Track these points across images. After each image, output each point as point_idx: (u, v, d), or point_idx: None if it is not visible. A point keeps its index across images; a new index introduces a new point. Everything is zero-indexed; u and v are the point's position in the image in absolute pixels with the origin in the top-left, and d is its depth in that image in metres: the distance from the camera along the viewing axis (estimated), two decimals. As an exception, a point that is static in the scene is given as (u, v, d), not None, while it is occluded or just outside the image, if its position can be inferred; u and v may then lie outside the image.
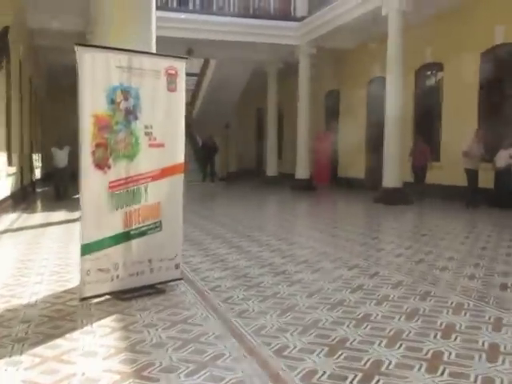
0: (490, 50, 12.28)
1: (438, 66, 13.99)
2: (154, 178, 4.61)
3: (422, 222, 10.23)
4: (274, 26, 16.63)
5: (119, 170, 4.37)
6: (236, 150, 25.23)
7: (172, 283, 4.83)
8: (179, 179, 4.81)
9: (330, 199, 15.64)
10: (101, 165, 4.26)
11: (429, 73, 14.60)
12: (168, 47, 16.64)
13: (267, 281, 5.05)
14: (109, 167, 4.31)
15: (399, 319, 3.87)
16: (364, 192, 14.40)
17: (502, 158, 11.07)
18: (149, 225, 4.61)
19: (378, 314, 3.99)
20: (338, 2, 14.48)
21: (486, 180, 11.27)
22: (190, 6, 17.15)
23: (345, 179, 17.91)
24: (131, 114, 4.43)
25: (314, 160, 18.39)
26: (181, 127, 4.77)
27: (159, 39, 7.84)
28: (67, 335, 3.52)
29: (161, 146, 4.63)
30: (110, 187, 4.33)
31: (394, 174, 12.40)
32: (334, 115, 18.78)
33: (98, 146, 4.23)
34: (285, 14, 17.32)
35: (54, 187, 14.04)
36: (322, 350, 3.27)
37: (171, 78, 4.65)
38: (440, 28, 13.27)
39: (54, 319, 3.87)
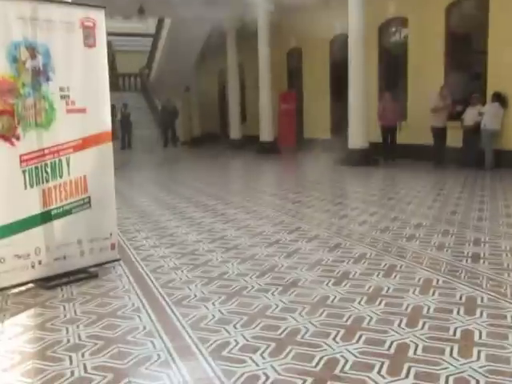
0: (455, 3, 11.75)
1: (402, 22, 13.39)
2: (76, 148, 3.99)
3: (389, 185, 9.84)
4: (230, -21, 15.67)
5: (31, 141, 3.74)
6: (198, 113, 24.34)
7: (108, 265, 4.30)
8: (107, 149, 4.21)
9: (294, 162, 15.15)
10: (7, 136, 3.61)
11: (393, 29, 14.01)
12: (118, 6, 15.57)
13: (216, 258, 4.55)
14: (17, 138, 3.67)
15: (359, 302, 3.41)
16: (330, 154, 13.94)
17: (470, 116, 10.65)
18: (74, 202, 4.02)
19: (335, 297, 3.52)
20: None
21: (454, 139, 10.89)
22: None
23: (310, 140, 17.38)
24: (41, 74, 3.77)
25: (278, 122, 17.79)
26: (105, 89, 4.13)
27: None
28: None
29: (81, 111, 4.00)
30: (22, 161, 3.70)
31: (359, 135, 11.90)
32: (297, 75, 18.10)
33: (1, 113, 3.57)
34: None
35: None
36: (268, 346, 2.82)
37: (88, 32, 3.98)
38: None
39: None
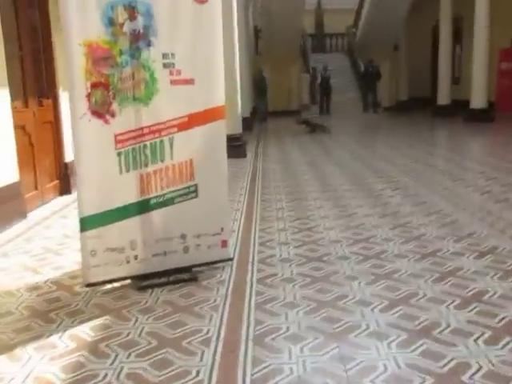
0: None
1: None
2: (182, 127, 3.37)
3: None
4: None
5: (129, 118, 3.22)
6: (407, 75, 22.28)
7: (218, 265, 3.68)
8: (220, 128, 3.51)
9: (510, 135, 12.67)
10: (101, 112, 3.14)
11: None
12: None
13: (349, 266, 3.59)
14: (113, 115, 3.18)
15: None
16: None
17: None
18: (178, 190, 3.44)
19: None
20: None
21: None
22: None
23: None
24: (142, 39, 3.19)
25: (498, 83, 15.14)
26: (219, 55, 3.41)
27: None
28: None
29: (189, 82, 3.34)
30: (118, 142, 3.22)
31: None
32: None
33: (94, 86, 3.10)
34: None
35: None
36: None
37: (200, -15, 3.26)
38: None
39: (37, 313, 3.02)
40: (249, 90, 15.36)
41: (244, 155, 9.26)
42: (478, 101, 14.21)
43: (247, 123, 12.94)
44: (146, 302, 3.15)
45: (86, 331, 2.79)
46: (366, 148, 10.37)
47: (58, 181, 6.36)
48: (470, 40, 16.79)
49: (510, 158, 8.37)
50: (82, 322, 2.90)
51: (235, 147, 9.02)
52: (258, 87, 17.76)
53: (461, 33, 18.57)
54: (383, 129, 15.36)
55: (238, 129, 9.17)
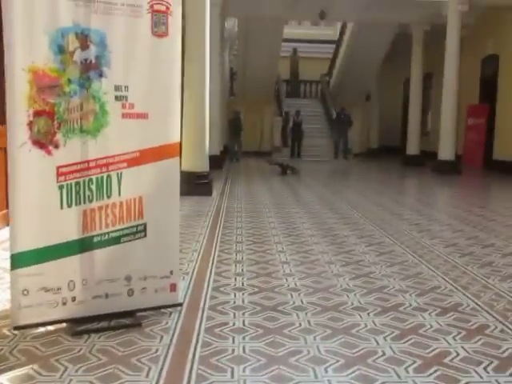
0: None
1: None
2: (132, 162, 3.17)
3: None
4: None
5: (74, 150, 3.00)
6: (378, 124, 22.72)
7: (165, 310, 3.42)
8: (173, 165, 3.32)
9: (479, 188, 12.82)
10: (43, 142, 2.92)
11: None
12: (297, 7, 14.98)
13: (301, 320, 3.37)
14: (56, 146, 2.96)
15: None
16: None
17: None
18: (124, 229, 3.21)
19: None
20: None
21: None
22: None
23: (502, 163, 14.75)
24: (93, 69, 3.01)
25: (465, 137, 15.49)
26: (175, 90, 3.25)
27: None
28: None
29: (142, 116, 3.17)
30: (60, 175, 2.99)
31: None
32: (492, 85, 15.54)
33: (37, 114, 2.89)
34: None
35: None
36: None
37: (159, 17, 3.13)
38: None
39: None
40: (221, 129, 15.36)
41: (209, 193, 9.06)
42: (445, 153, 14.46)
43: (217, 161, 12.84)
44: (80, 349, 2.85)
45: (4, 383, 2.48)
46: (334, 193, 10.31)
47: (6, 210, 6.02)
48: (439, 95, 17.30)
49: (476, 211, 8.37)
50: (1, 372, 2.58)
51: (201, 185, 8.85)
52: (233, 127, 17.83)
53: (430, 87, 19.11)
54: (353, 175, 15.46)
55: (204, 166, 9.01)
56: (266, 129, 20.60)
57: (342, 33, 19.89)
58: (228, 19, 18.46)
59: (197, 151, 8.75)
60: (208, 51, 8.85)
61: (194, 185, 8.64)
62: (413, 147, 17.33)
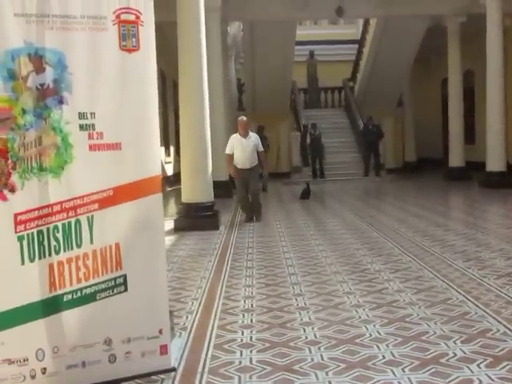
0: None
1: None
2: (105, 202, 3.09)
3: None
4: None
5: (33, 193, 2.94)
6: (414, 134, 22.53)
7: (157, 376, 3.29)
8: (155, 203, 3.23)
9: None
10: (-5, 186, 2.86)
11: None
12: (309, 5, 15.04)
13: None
14: (12, 190, 2.89)
15: None
16: None
17: None
18: (100, 283, 3.11)
19: None
20: None
21: None
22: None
23: None
24: (51, 95, 2.96)
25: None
26: (152, 114, 3.18)
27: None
28: None
29: (114, 147, 3.10)
30: (19, 223, 2.91)
31: None
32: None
33: (-13, 153, 2.84)
34: None
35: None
36: None
37: (128, 29, 3.08)
38: None
39: None
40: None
41: (216, 227, 8.93)
42: (494, 163, 14.18)
43: (225, 188, 12.75)
44: None
45: None
46: (363, 219, 10.13)
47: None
48: (483, 95, 17.12)
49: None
50: None
51: (205, 217, 8.78)
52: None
53: (473, 87, 18.92)
54: (385, 195, 15.24)
55: (208, 196, 8.94)
56: (283, 146, 20.49)
57: (364, 31, 19.91)
58: (231, 24, 18.63)
59: (198, 178, 8.70)
60: (205, 62, 8.85)
61: (197, 218, 8.58)
62: (456, 158, 17.06)
